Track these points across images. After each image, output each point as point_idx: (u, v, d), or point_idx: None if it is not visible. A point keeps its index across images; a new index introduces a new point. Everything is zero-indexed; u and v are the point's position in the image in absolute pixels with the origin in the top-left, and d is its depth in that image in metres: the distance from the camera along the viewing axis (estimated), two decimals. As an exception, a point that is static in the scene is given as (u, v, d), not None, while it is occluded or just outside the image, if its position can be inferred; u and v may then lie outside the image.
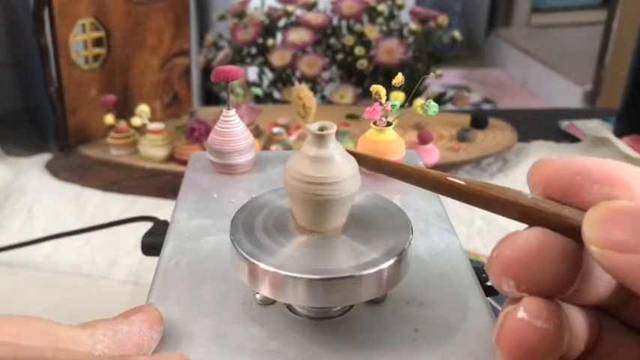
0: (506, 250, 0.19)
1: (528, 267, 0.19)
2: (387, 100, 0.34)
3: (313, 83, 0.98)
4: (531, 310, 0.19)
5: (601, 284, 0.21)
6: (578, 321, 0.21)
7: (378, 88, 0.33)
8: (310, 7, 1.04)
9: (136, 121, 0.77)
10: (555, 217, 0.20)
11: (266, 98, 1.04)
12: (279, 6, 1.04)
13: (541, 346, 0.19)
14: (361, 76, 1.01)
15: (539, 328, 0.18)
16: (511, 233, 0.20)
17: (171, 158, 0.76)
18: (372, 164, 0.25)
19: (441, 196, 0.34)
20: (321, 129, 0.23)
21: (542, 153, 0.83)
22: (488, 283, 0.30)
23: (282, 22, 1.03)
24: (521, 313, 0.19)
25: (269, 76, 1.05)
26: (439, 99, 1.02)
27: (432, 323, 0.24)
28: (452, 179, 0.22)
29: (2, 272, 0.57)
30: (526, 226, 0.21)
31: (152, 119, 0.78)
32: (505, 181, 0.75)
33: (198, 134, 0.73)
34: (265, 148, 0.75)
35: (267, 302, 0.25)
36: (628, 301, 0.22)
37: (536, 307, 0.19)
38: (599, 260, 0.18)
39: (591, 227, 0.18)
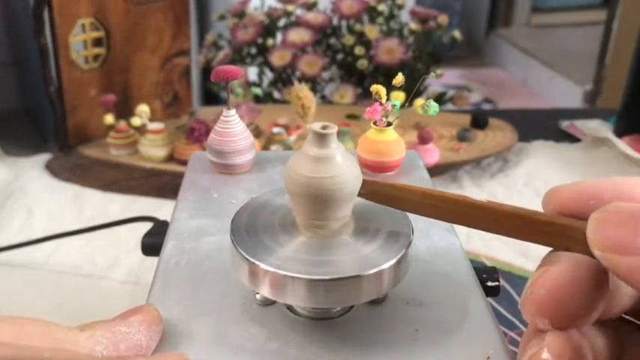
0: (540, 289, 0.19)
1: (564, 304, 0.19)
2: (388, 100, 0.34)
3: (313, 83, 0.97)
4: (555, 351, 0.19)
5: (625, 294, 0.21)
6: (599, 342, 0.21)
7: (378, 88, 0.33)
8: (310, 7, 1.04)
9: (136, 121, 0.77)
10: (576, 227, 0.19)
11: (266, 98, 1.04)
12: (279, 6, 1.04)
13: None
14: (361, 76, 1.01)
15: None
16: (542, 270, 0.20)
17: (171, 158, 0.76)
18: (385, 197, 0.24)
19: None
20: (323, 128, 0.23)
21: (542, 153, 0.83)
22: (489, 284, 0.30)
23: (282, 22, 1.03)
24: (545, 355, 0.19)
25: (269, 76, 1.05)
26: (439, 99, 1.02)
27: (432, 323, 0.24)
28: (471, 199, 0.22)
29: (2, 272, 0.56)
30: (549, 249, 0.21)
31: (152, 119, 0.78)
32: (505, 181, 0.75)
33: (198, 134, 0.73)
34: (265, 148, 0.75)
35: (267, 302, 0.25)
36: None
37: (560, 347, 0.19)
38: (603, 264, 0.18)
39: (594, 231, 0.18)
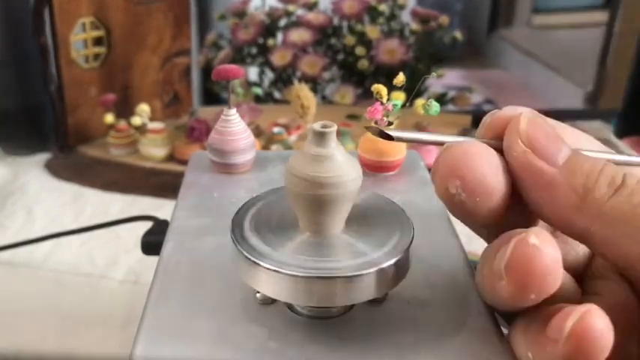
0: (449, 153, 0.21)
1: (472, 164, 0.20)
2: (388, 99, 0.34)
3: (314, 83, 0.97)
4: (542, 237, 0.19)
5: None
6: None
7: (379, 88, 0.33)
8: (311, 7, 1.04)
9: (136, 120, 0.77)
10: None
11: (266, 98, 1.04)
12: (280, 6, 1.04)
13: (550, 275, 0.19)
14: (362, 76, 1.01)
15: (549, 254, 0.19)
16: (450, 143, 0.22)
17: (171, 158, 0.76)
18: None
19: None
20: (323, 127, 0.22)
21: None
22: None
23: (282, 22, 1.03)
24: (533, 239, 0.19)
25: (269, 76, 1.05)
26: (440, 99, 1.02)
27: (433, 323, 0.24)
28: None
29: (2, 272, 0.56)
30: None
31: (152, 119, 0.78)
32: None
33: (198, 134, 0.73)
34: (265, 147, 0.75)
35: (268, 302, 0.25)
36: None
37: (547, 236, 0.19)
38: (516, 157, 0.21)
39: (527, 124, 0.21)
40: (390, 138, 0.22)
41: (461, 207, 0.21)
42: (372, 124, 0.23)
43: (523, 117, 0.21)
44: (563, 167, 0.20)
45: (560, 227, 0.21)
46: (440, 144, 0.22)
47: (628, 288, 0.23)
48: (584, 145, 0.23)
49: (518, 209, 0.22)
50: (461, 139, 0.22)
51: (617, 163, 0.23)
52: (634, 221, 0.19)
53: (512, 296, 0.20)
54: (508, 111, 0.23)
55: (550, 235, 0.19)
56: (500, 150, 0.22)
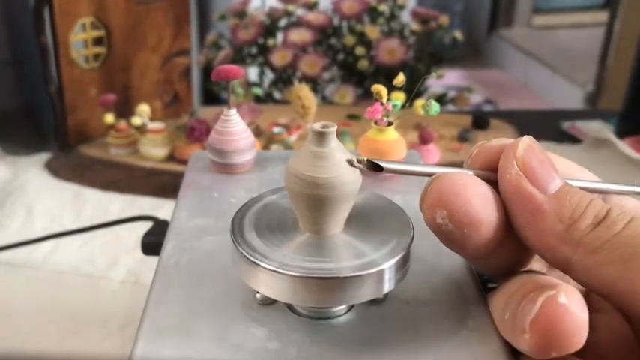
0: (437, 184, 0.21)
1: (458, 194, 0.21)
2: (388, 100, 0.34)
3: (314, 83, 0.97)
4: (572, 298, 0.19)
5: None
6: None
7: (379, 88, 0.33)
8: (311, 7, 1.04)
9: (136, 120, 0.77)
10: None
11: (266, 98, 1.04)
12: (280, 6, 1.04)
13: (576, 335, 0.19)
14: (362, 76, 1.01)
15: (577, 316, 0.19)
16: (439, 173, 0.22)
17: (171, 158, 0.76)
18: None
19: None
20: (323, 127, 0.22)
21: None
22: (491, 285, 0.29)
23: (282, 22, 1.03)
24: (563, 299, 0.19)
25: (269, 76, 1.05)
26: (440, 100, 1.02)
27: (433, 323, 0.24)
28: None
29: (2, 272, 0.56)
30: None
31: (152, 119, 0.78)
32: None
33: (198, 134, 0.73)
34: (266, 147, 0.75)
35: (268, 302, 0.25)
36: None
37: (576, 295, 0.19)
38: (508, 182, 0.21)
39: (525, 150, 0.21)
40: (379, 169, 0.22)
41: (448, 237, 0.21)
42: (363, 157, 0.23)
43: (522, 142, 0.21)
44: (552, 196, 0.21)
45: (543, 254, 0.21)
46: (429, 175, 0.22)
47: (624, 321, 0.23)
48: (576, 176, 0.23)
49: (515, 243, 0.22)
50: (451, 170, 0.22)
51: (607, 192, 0.24)
52: (613, 248, 0.19)
53: (533, 351, 0.20)
54: (496, 142, 0.23)
55: (578, 292, 0.19)
56: (489, 181, 0.22)
